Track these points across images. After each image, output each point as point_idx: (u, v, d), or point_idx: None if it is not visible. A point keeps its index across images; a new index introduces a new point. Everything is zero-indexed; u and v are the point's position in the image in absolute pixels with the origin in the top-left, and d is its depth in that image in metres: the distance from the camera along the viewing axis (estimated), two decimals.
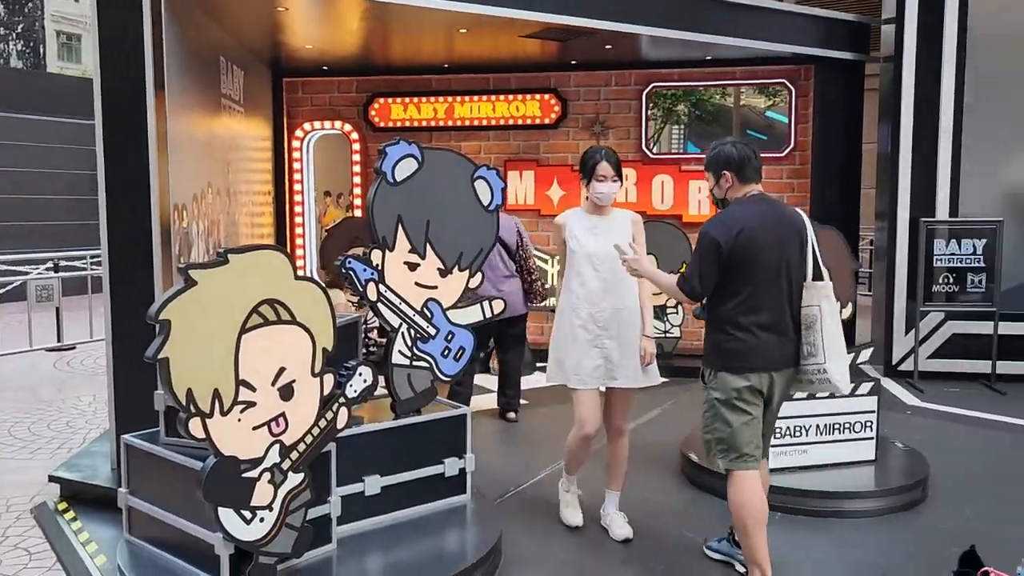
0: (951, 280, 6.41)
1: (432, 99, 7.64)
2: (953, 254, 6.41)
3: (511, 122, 7.57)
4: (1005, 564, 2.88)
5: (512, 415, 5.51)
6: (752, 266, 2.95)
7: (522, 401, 5.72)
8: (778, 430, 4.03)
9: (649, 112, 7.48)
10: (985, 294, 6.38)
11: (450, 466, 3.55)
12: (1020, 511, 4.00)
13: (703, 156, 3.23)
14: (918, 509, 4.00)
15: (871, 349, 4.47)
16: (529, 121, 7.56)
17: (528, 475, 4.45)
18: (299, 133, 7.74)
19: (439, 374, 3.56)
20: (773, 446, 4.03)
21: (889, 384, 6.49)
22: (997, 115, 6.56)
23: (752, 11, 6.58)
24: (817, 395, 4.10)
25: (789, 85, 7.35)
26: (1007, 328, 6.38)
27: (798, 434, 4.11)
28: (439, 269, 3.49)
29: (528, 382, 6.29)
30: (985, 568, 2.74)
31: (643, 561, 3.42)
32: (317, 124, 7.73)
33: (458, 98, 7.61)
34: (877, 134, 7.16)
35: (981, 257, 6.36)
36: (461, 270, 3.54)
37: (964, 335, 6.61)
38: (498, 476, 4.36)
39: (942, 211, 6.62)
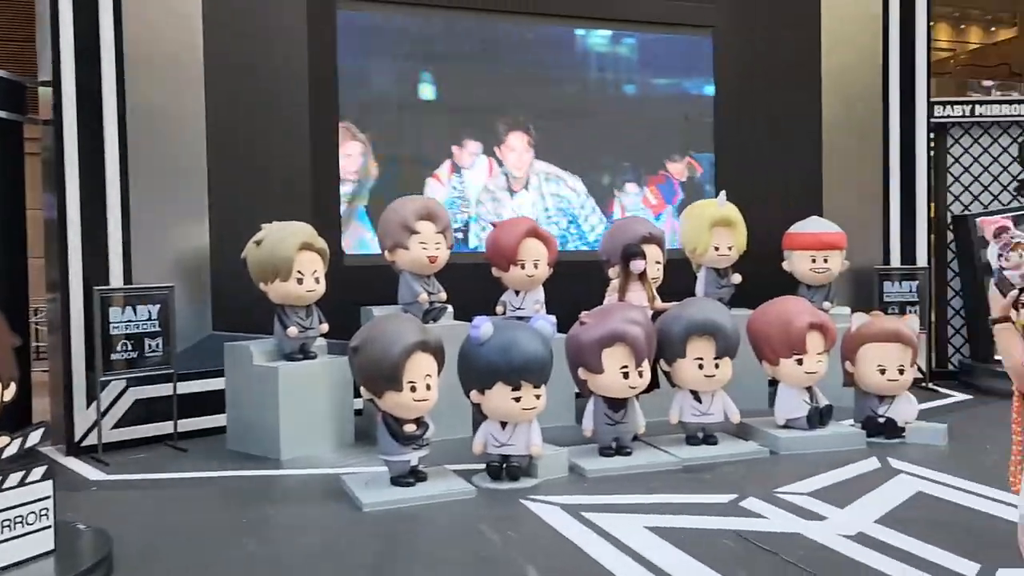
0: (130, 347, 6.42)
1: None
2: (130, 320, 6.42)
3: None
4: None
5: None
6: None
7: None
8: None
9: None
10: (163, 357, 6.56)
11: None
12: (201, 559, 4.16)
13: None
14: None
15: (41, 430, 4.06)
16: None
17: None
18: None
19: None
20: None
21: (73, 463, 6.11)
22: (169, 184, 6.89)
23: None
24: None
25: None
26: (184, 387, 6.70)
27: None
28: None
29: None
30: None
31: None
32: None
33: None
34: (43, 200, 6.77)
35: (157, 322, 6.54)
36: None
37: (146, 399, 6.69)
38: None
39: (116, 279, 6.61)
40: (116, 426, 6.55)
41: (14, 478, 3.76)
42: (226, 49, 7.22)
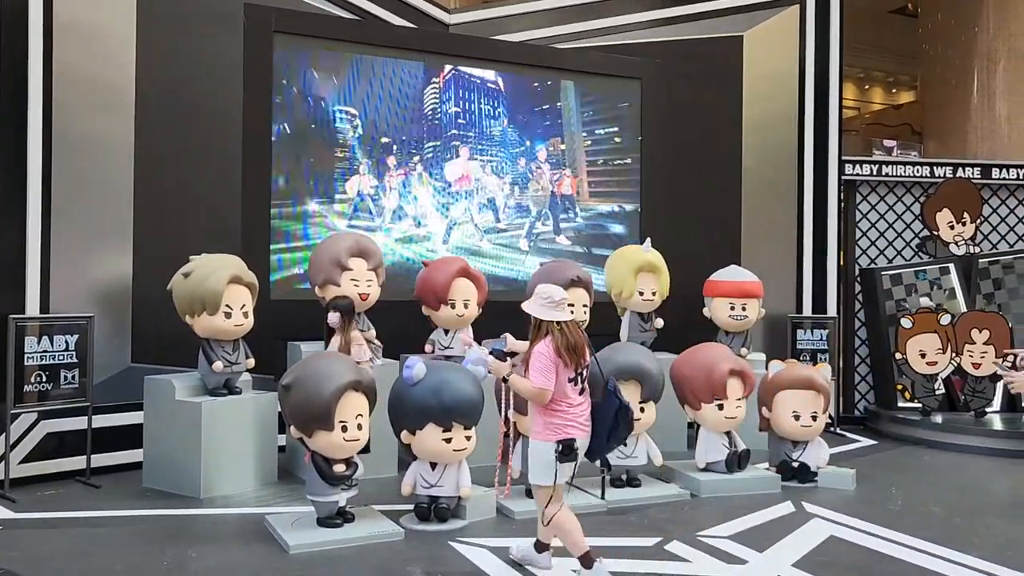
0: (44, 378, 6.17)
1: None
2: (46, 351, 6.19)
3: None
4: None
5: None
6: None
7: None
8: None
9: None
10: (78, 389, 6.33)
11: None
12: None
13: None
14: None
15: None
16: None
17: None
18: None
19: None
20: None
21: None
22: (94, 211, 6.70)
23: None
24: None
25: None
26: (100, 421, 6.47)
27: None
28: None
29: None
30: None
31: None
32: None
33: None
34: None
35: (74, 352, 6.32)
36: None
37: (58, 433, 6.44)
38: None
39: (33, 308, 6.36)
40: (25, 460, 6.27)
41: None
42: (158, 76, 7.11)
